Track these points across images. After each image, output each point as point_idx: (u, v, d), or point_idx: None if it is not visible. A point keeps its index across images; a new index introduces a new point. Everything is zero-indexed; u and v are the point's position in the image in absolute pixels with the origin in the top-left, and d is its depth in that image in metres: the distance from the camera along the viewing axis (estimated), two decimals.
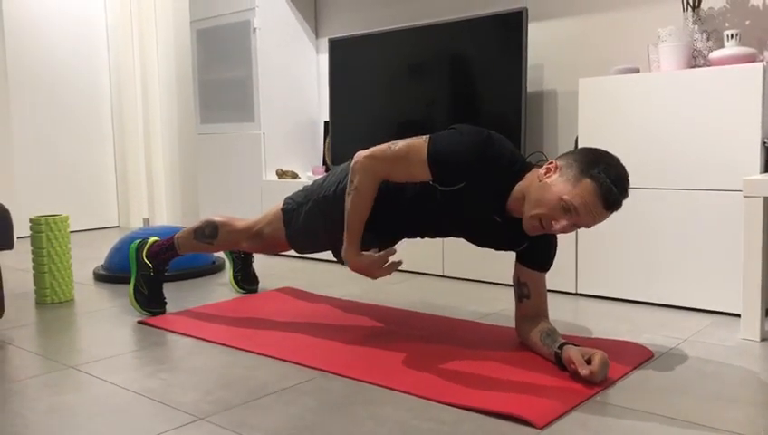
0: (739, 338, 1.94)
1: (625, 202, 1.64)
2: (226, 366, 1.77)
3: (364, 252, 1.78)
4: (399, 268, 2.99)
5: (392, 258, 2.88)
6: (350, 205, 1.77)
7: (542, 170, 1.67)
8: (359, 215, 1.77)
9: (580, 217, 1.59)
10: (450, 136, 1.72)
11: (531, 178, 1.70)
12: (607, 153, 1.64)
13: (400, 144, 1.73)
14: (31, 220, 2.50)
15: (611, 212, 1.61)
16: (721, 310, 2.18)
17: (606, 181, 1.57)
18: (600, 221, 1.62)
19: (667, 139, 2.24)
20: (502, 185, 1.72)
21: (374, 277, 1.79)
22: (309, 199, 2.01)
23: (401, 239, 2.00)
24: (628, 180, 1.62)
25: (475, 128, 1.73)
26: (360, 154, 1.76)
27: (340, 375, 1.68)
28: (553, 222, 1.61)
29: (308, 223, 2.00)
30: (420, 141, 1.72)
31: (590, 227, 1.63)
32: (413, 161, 1.71)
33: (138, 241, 2.31)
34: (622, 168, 1.62)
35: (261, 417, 1.43)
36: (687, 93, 2.19)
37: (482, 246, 1.91)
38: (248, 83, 3.69)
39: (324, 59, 3.85)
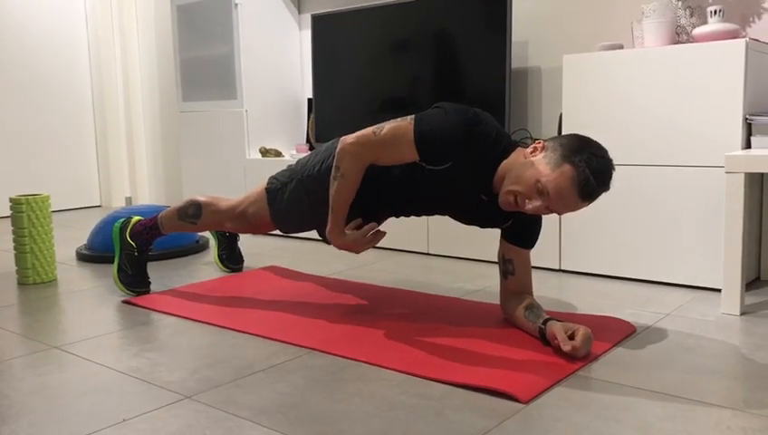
0: (720, 312, 1.97)
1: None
2: (212, 345, 1.77)
3: (347, 231, 1.80)
4: (385, 246, 2.99)
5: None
6: (336, 190, 1.77)
7: (528, 149, 1.67)
8: (344, 199, 1.77)
9: (552, 202, 1.58)
10: (436, 115, 1.72)
11: (516, 156, 1.70)
12: (596, 143, 1.61)
13: (386, 128, 1.72)
14: (11, 200, 2.47)
15: (587, 203, 1.60)
16: (702, 285, 2.21)
17: (585, 171, 1.55)
18: (574, 210, 1.62)
19: (650, 115, 2.25)
20: (488, 163, 1.72)
21: (358, 252, 1.82)
22: (293, 179, 2.00)
23: (387, 218, 2.00)
24: (610, 174, 1.59)
25: (460, 106, 1.72)
26: (346, 140, 1.76)
27: (326, 353, 1.68)
28: (527, 201, 1.61)
29: (292, 202, 1.99)
30: (405, 123, 1.71)
31: (561, 214, 1.63)
32: (400, 145, 1.71)
33: (121, 220, 2.29)
34: (608, 161, 1.59)
35: (248, 395, 1.44)
36: (671, 70, 2.20)
37: (467, 223, 1.91)
38: (230, 60, 3.64)
39: (307, 35, 3.81)
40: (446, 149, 1.70)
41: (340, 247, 1.81)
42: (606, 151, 1.61)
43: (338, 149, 1.77)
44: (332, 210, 1.79)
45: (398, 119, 1.74)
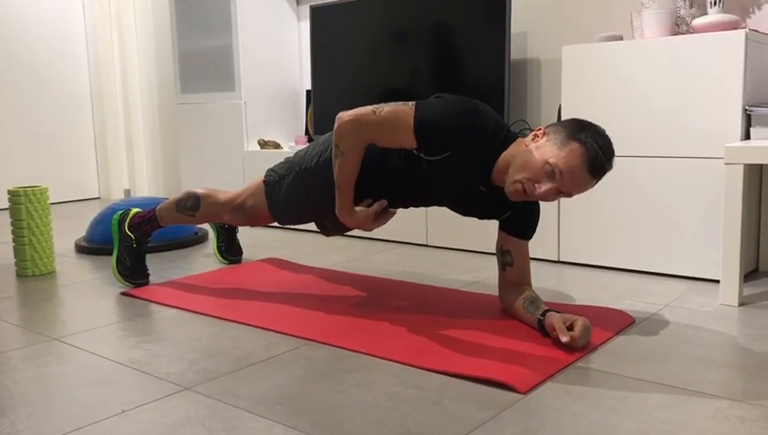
0: (718, 303, 1.97)
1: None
2: (211, 336, 1.77)
3: (357, 208, 1.82)
4: (383, 238, 2.99)
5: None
6: (339, 168, 1.77)
7: (528, 137, 1.67)
8: (348, 177, 1.78)
9: (564, 181, 1.58)
10: (436, 105, 1.71)
11: (516, 147, 1.70)
12: (595, 124, 1.65)
13: (386, 109, 1.72)
14: (9, 192, 2.47)
15: (595, 180, 1.61)
16: (700, 276, 2.21)
17: (593, 145, 1.57)
18: (584, 190, 1.62)
19: (649, 106, 2.25)
20: (487, 155, 1.72)
21: (370, 230, 1.85)
22: (291, 171, 2.00)
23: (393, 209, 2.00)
24: (614, 150, 1.63)
25: (461, 97, 1.72)
26: (343, 117, 1.75)
27: (325, 344, 1.69)
28: (536, 186, 1.61)
29: (290, 195, 1.99)
30: (406, 109, 1.71)
31: (572, 195, 1.63)
32: (399, 129, 1.70)
33: (120, 212, 2.29)
34: (609, 139, 1.63)
35: (247, 386, 1.44)
36: (670, 61, 2.19)
37: (465, 214, 1.91)
38: (228, 52, 3.63)
39: (306, 26, 3.80)
40: (445, 139, 1.70)
41: (351, 226, 1.84)
42: (605, 130, 1.64)
43: (336, 127, 1.76)
44: (338, 189, 1.79)
45: (400, 102, 1.73)
